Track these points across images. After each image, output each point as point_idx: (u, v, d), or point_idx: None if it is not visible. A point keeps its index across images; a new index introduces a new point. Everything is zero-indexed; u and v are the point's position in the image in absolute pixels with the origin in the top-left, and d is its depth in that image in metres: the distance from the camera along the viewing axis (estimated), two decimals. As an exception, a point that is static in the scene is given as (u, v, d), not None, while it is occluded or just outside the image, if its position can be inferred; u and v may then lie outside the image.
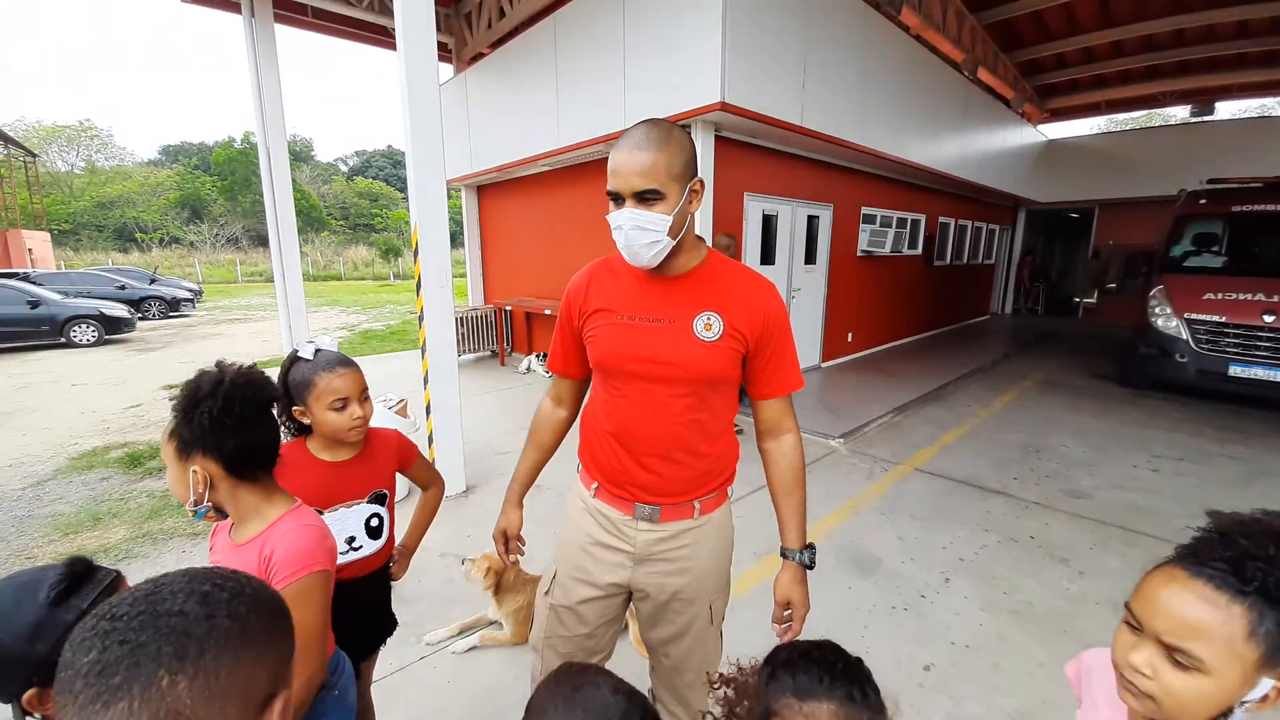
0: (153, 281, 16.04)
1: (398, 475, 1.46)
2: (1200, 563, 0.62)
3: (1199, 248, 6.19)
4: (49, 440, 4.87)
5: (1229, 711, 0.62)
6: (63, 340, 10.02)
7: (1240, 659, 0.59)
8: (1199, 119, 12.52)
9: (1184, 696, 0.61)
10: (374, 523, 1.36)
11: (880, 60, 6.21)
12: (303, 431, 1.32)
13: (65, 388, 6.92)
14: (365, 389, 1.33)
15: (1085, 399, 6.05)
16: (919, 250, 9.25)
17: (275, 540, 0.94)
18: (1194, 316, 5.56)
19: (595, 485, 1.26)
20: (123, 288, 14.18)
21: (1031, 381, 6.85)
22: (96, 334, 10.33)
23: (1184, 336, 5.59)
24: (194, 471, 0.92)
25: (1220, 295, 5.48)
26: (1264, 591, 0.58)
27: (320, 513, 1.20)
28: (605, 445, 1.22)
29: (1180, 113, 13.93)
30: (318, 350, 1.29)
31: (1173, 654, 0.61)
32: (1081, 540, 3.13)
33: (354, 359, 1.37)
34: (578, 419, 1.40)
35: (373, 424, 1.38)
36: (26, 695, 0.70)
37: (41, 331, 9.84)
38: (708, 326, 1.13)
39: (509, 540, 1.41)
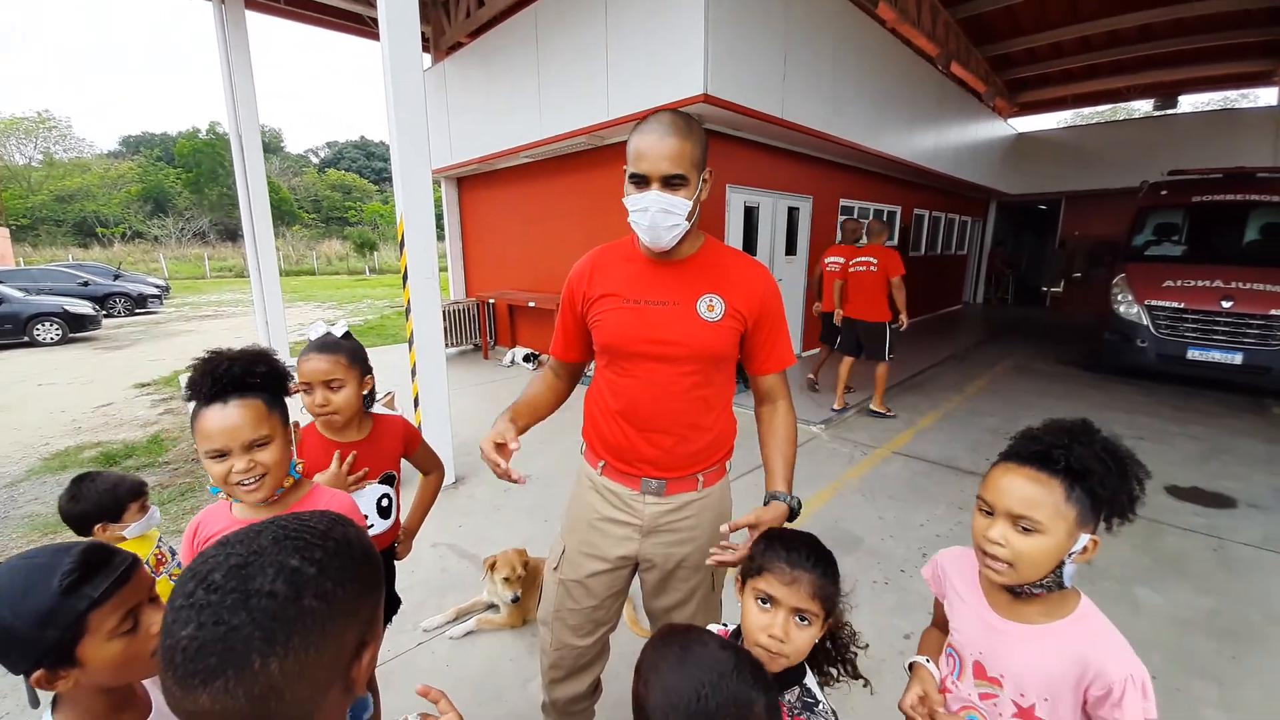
0: (116, 278, 15.50)
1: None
2: (1022, 457, 0.85)
3: (1160, 237, 6.46)
4: (18, 441, 4.73)
5: (1061, 566, 0.83)
6: (26, 339, 9.66)
7: (1064, 518, 0.80)
8: (1162, 112, 12.96)
9: (1031, 555, 0.81)
10: (384, 503, 1.41)
11: (858, 54, 6.32)
12: None
13: (31, 387, 6.69)
14: (334, 378, 1.32)
15: (1053, 384, 6.29)
16: (894, 242, 9.45)
17: (324, 503, 1.03)
18: (1155, 303, 5.81)
19: (602, 464, 1.32)
20: (86, 284, 13.67)
21: (1002, 368, 7.08)
22: (60, 332, 9.98)
23: (1145, 322, 5.84)
24: (295, 424, 0.97)
25: (1180, 283, 5.74)
26: (1068, 469, 0.81)
27: None
28: (612, 424, 1.27)
29: (1145, 106, 14.40)
30: (326, 333, 1.34)
31: (1018, 523, 0.82)
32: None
33: (345, 346, 1.39)
34: (575, 406, 1.44)
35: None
36: (35, 675, 0.71)
37: (4, 330, 9.47)
38: (710, 308, 1.19)
39: (503, 447, 1.18)
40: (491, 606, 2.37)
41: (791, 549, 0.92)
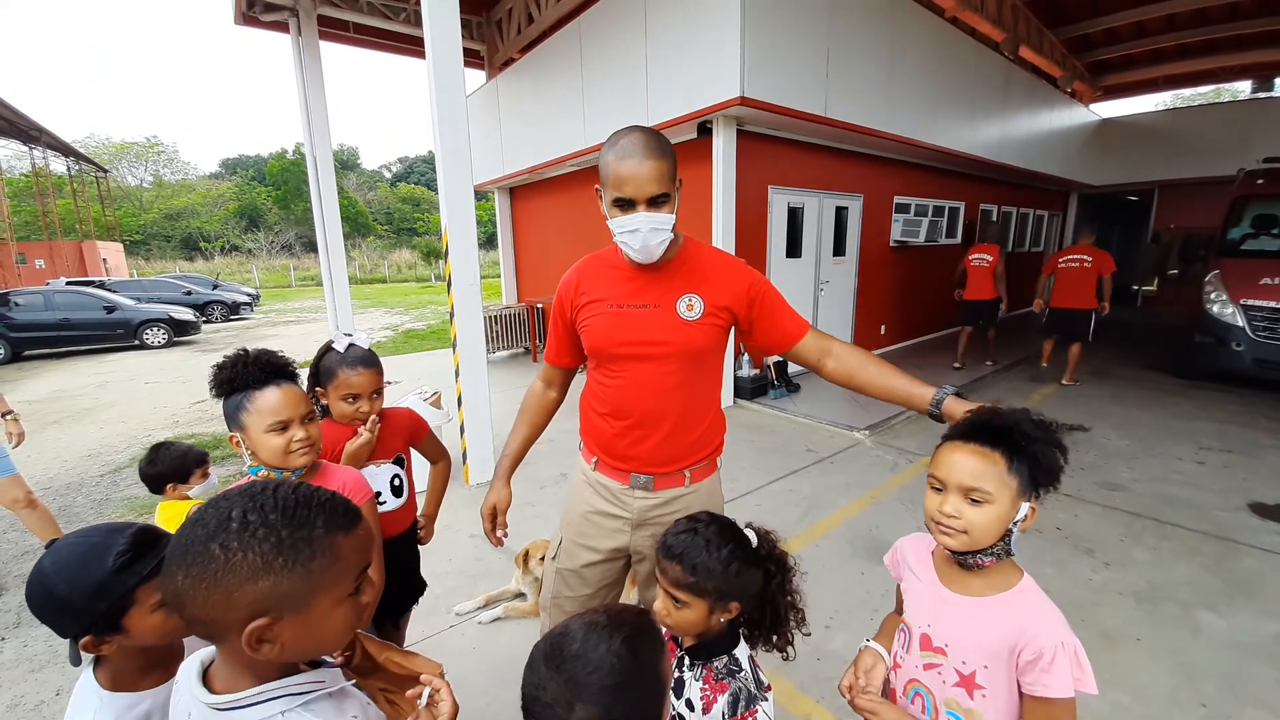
0: (215, 287, 17.13)
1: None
2: (966, 435, 0.91)
3: (1257, 230, 5.82)
4: (124, 432, 5.35)
5: (1008, 534, 0.89)
6: (136, 342, 10.86)
7: (1009, 488, 0.86)
8: (1263, 94, 11.66)
9: (983, 523, 0.87)
10: (395, 482, 1.55)
11: (909, 45, 6.09)
12: (325, 413, 1.50)
13: (139, 385, 7.53)
14: (378, 389, 1.49)
15: (1133, 390, 5.80)
16: (958, 239, 8.98)
17: (339, 478, 1.25)
18: (1251, 303, 5.25)
19: (595, 460, 1.39)
20: (189, 293, 15.22)
21: (1078, 372, 6.58)
22: (166, 336, 11.15)
23: (1240, 324, 5.29)
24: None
25: (1279, 280, 5.16)
26: (1008, 445, 0.86)
27: None
28: (603, 422, 1.34)
29: (1246, 88, 13.00)
30: (350, 345, 1.47)
31: (969, 495, 0.87)
32: (1111, 532, 3.05)
33: (378, 357, 1.53)
34: (563, 404, 1.54)
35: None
36: (83, 641, 0.82)
37: (117, 335, 10.70)
38: (689, 307, 1.25)
39: (497, 516, 1.48)
40: (519, 595, 2.49)
41: (673, 539, 1.01)
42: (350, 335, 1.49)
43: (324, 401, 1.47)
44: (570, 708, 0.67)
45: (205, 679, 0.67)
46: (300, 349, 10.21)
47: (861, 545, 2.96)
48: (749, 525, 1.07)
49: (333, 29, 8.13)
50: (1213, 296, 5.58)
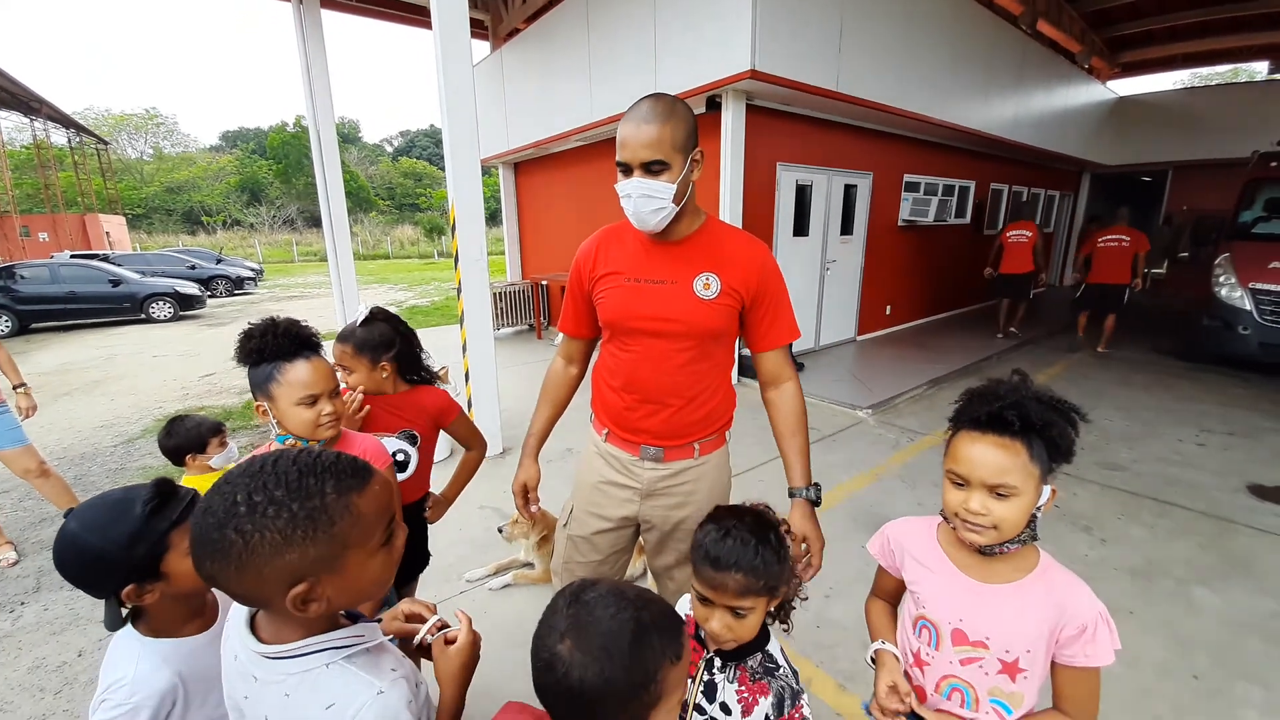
0: (219, 262, 17.11)
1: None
2: (979, 424, 0.87)
3: (1270, 213, 5.75)
4: (135, 404, 5.42)
5: (1033, 521, 0.88)
6: (142, 316, 10.92)
7: (1032, 476, 0.84)
8: (1277, 76, 11.38)
9: (1012, 517, 0.86)
10: (399, 457, 1.55)
11: (923, 19, 5.95)
12: None
13: (147, 358, 7.60)
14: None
15: (1139, 373, 5.80)
16: (967, 219, 8.89)
17: (359, 445, 1.30)
18: (1260, 286, 5.21)
19: (606, 431, 1.41)
20: (193, 267, 15.22)
21: (1082, 355, 6.59)
22: (172, 310, 11.19)
23: (1248, 307, 5.26)
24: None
25: None
26: (1024, 429, 0.84)
27: None
28: (615, 396, 1.36)
29: (1263, 69, 12.68)
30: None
31: (995, 491, 0.85)
32: (1108, 510, 3.10)
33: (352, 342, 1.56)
34: (587, 376, 1.54)
35: None
36: (126, 590, 0.85)
37: (124, 308, 10.74)
38: (706, 286, 1.25)
39: (529, 493, 1.51)
40: (527, 564, 2.56)
41: (717, 549, 0.92)
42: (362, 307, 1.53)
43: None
44: (561, 639, 0.68)
45: (253, 627, 0.71)
46: (308, 323, 10.25)
47: (863, 520, 3.02)
48: (749, 504, 1.03)
49: (334, -3, 7.97)
50: (1221, 280, 5.54)
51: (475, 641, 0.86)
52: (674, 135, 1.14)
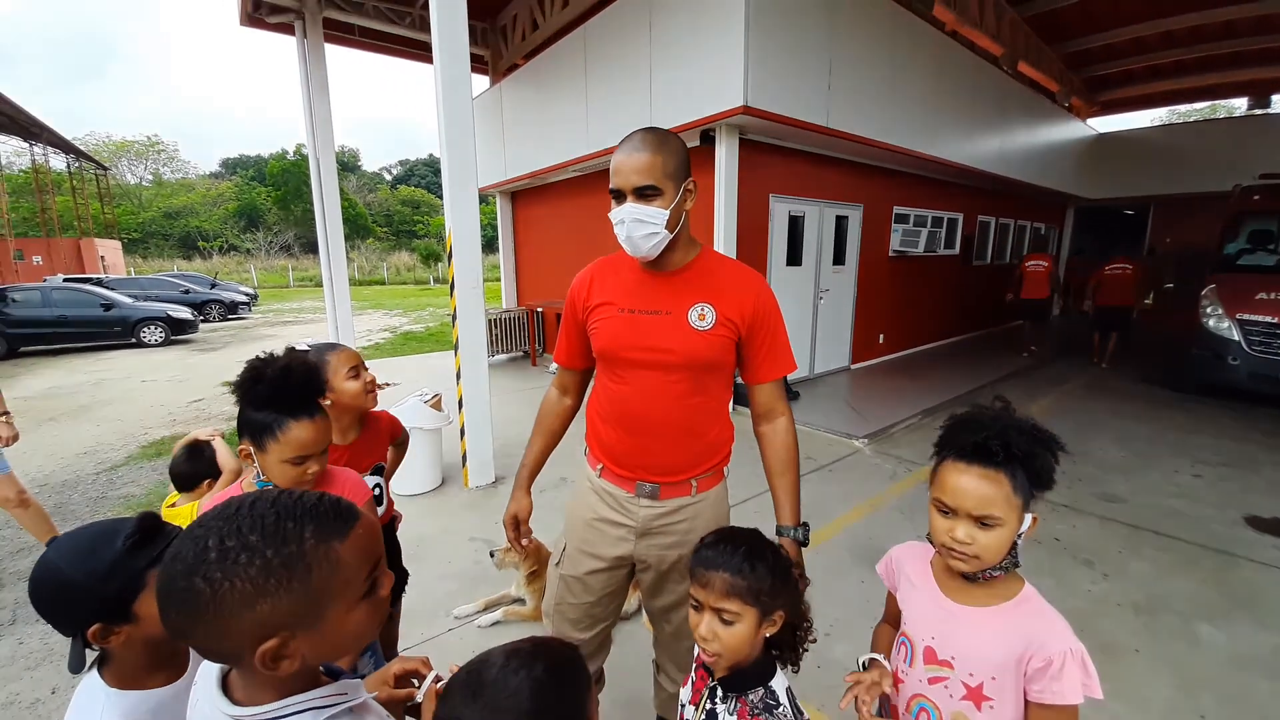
0: (213, 286, 17.08)
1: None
2: (964, 455, 0.89)
3: (1253, 245, 5.88)
4: (121, 431, 5.32)
5: (1014, 548, 0.90)
6: (134, 340, 10.82)
7: (1015, 507, 0.86)
8: (1258, 111, 11.82)
9: (994, 546, 0.88)
10: (376, 492, 1.56)
11: (910, 58, 6.15)
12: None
13: (136, 383, 7.50)
14: (360, 361, 1.58)
15: (1130, 403, 5.83)
16: (956, 250, 9.04)
17: (339, 482, 1.29)
18: (1247, 317, 5.29)
19: (600, 466, 1.37)
20: (186, 292, 15.18)
21: (1073, 385, 6.62)
22: (164, 334, 11.11)
23: (1235, 338, 5.33)
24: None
25: (1275, 295, 5.21)
26: (1007, 460, 0.86)
27: None
28: (609, 429, 1.33)
29: (1244, 104, 13.17)
30: (310, 346, 1.54)
31: (980, 522, 0.87)
32: (1110, 543, 3.06)
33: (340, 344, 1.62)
34: (582, 408, 1.51)
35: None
36: (92, 629, 0.80)
37: (115, 332, 10.65)
38: (701, 316, 1.23)
39: (520, 525, 1.48)
40: (518, 600, 2.48)
41: (712, 550, 0.97)
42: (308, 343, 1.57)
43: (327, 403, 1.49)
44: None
45: (225, 686, 0.66)
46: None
47: (861, 554, 2.96)
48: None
49: (338, 31, 8.17)
50: (1209, 311, 5.63)
51: None
52: (665, 163, 1.15)
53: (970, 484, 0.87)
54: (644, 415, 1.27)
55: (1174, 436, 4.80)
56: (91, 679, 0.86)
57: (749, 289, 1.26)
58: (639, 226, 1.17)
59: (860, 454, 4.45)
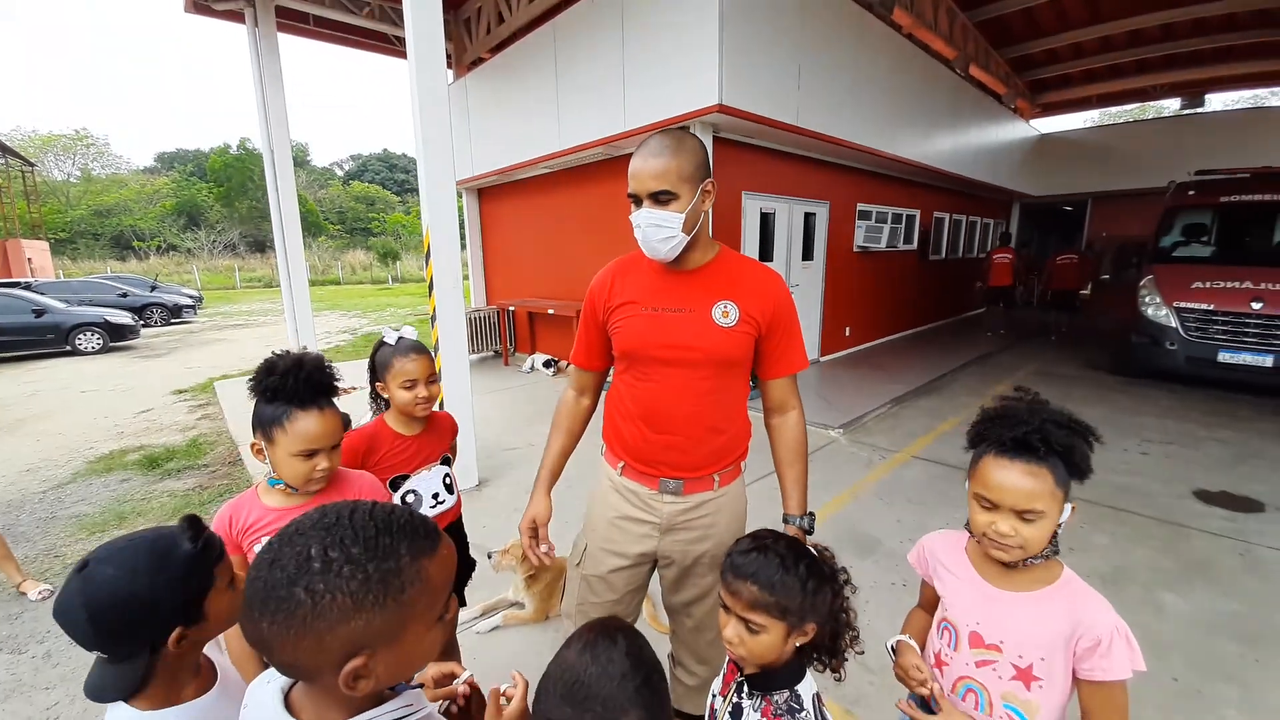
0: (153, 289, 16.09)
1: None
2: (1005, 449, 0.91)
3: (1188, 238, 6.33)
4: (64, 445, 4.97)
5: (1055, 536, 0.93)
6: (68, 348, 10.08)
7: (1057, 499, 0.89)
8: (1190, 111, 12.69)
9: (1038, 538, 0.90)
10: (447, 480, 1.66)
11: (873, 60, 6.35)
12: (386, 405, 1.60)
13: (75, 394, 7.00)
14: (434, 374, 1.58)
15: (1078, 388, 6.19)
16: (914, 245, 9.38)
17: (355, 485, 1.28)
18: (1183, 305, 5.70)
19: (621, 464, 1.38)
20: (124, 295, 14.25)
21: (1025, 372, 6.98)
22: (101, 341, 10.40)
23: (1173, 325, 5.73)
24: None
25: (1209, 284, 5.62)
26: (1048, 453, 0.88)
27: (407, 476, 1.58)
28: (632, 427, 1.33)
29: (1174, 105, 14.10)
30: (400, 338, 1.56)
31: (1023, 515, 0.89)
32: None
33: (427, 347, 1.62)
34: (598, 408, 1.51)
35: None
36: (173, 636, 0.77)
37: (47, 340, 9.91)
38: (725, 314, 1.25)
39: (538, 529, 1.40)
40: (516, 604, 2.45)
41: (743, 558, 0.96)
42: (398, 329, 1.59)
43: (384, 395, 1.56)
44: None
45: (288, 704, 0.63)
46: (259, 353, 9.72)
47: (847, 540, 3.05)
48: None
49: (291, 20, 7.81)
50: (1148, 300, 6.03)
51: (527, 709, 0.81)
52: (681, 166, 1.17)
53: (1014, 479, 0.89)
54: (669, 412, 1.28)
55: (1120, 417, 5.12)
56: (118, 709, 0.82)
57: (770, 288, 1.29)
58: (656, 231, 1.19)
59: (837, 443, 4.58)
